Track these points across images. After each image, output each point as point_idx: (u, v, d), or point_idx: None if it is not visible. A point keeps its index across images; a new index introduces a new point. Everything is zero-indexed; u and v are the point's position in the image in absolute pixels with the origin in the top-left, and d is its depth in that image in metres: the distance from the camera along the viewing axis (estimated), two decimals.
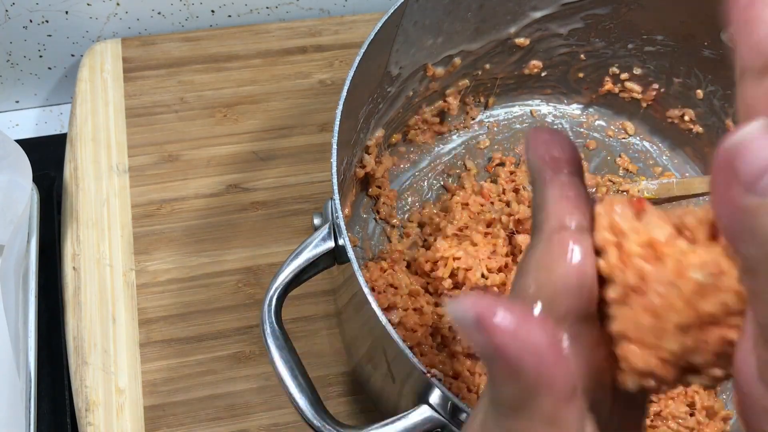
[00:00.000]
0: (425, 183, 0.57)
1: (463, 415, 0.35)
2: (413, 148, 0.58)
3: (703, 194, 0.57)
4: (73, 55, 0.63)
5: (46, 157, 0.56)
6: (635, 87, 0.58)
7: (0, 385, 0.43)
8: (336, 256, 0.40)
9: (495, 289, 0.49)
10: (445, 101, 0.57)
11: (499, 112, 0.60)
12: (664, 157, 0.60)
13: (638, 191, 0.56)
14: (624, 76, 0.58)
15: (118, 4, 0.60)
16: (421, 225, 0.54)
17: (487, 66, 0.56)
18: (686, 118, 0.58)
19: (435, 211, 0.54)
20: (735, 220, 0.17)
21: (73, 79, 0.60)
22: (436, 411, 0.36)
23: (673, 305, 0.19)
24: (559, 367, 0.17)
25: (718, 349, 0.19)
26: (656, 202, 0.56)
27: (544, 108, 0.61)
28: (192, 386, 0.49)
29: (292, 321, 0.51)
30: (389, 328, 0.34)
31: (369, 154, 0.52)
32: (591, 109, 0.61)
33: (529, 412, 0.18)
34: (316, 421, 0.37)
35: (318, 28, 0.64)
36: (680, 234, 0.20)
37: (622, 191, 0.53)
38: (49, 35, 0.61)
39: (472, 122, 0.60)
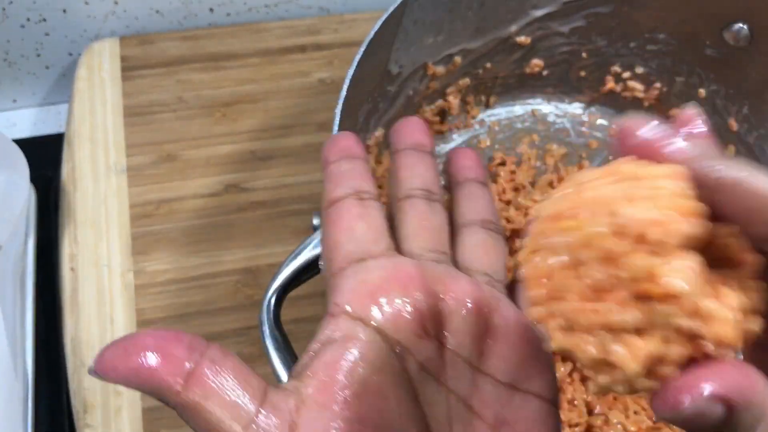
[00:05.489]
0: None
1: None
2: None
3: None
4: (70, 54, 0.63)
5: (44, 156, 0.56)
6: (637, 86, 0.58)
7: None
8: None
9: None
10: (445, 100, 0.56)
11: (500, 111, 0.60)
12: None
13: None
14: (626, 75, 0.58)
15: (116, 2, 0.60)
16: None
17: (488, 65, 0.56)
18: None
19: None
20: None
21: (71, 78, 0.60)
22: None
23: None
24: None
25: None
26: None
27: (545, 107, 0.61)
28: None
29: (291, 322, 0.50)
30: None
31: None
32: (593, 108, 0.61)
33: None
34: None
35: (317, 26, 0.64)
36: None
37: None
38: (47, 34, 0.61)
39: (472, 121, 0.59)
